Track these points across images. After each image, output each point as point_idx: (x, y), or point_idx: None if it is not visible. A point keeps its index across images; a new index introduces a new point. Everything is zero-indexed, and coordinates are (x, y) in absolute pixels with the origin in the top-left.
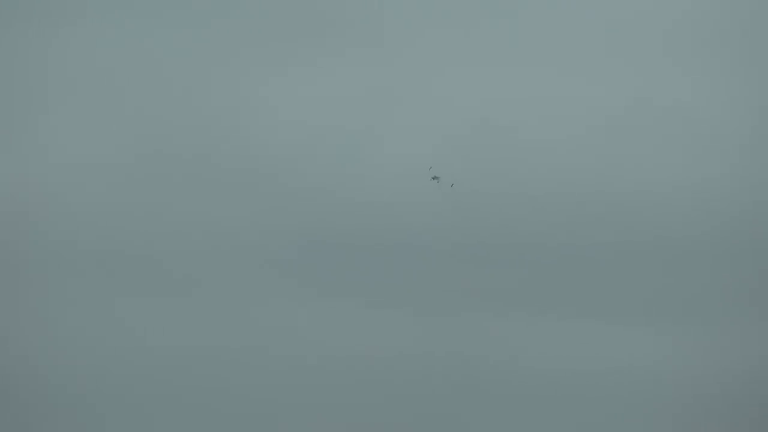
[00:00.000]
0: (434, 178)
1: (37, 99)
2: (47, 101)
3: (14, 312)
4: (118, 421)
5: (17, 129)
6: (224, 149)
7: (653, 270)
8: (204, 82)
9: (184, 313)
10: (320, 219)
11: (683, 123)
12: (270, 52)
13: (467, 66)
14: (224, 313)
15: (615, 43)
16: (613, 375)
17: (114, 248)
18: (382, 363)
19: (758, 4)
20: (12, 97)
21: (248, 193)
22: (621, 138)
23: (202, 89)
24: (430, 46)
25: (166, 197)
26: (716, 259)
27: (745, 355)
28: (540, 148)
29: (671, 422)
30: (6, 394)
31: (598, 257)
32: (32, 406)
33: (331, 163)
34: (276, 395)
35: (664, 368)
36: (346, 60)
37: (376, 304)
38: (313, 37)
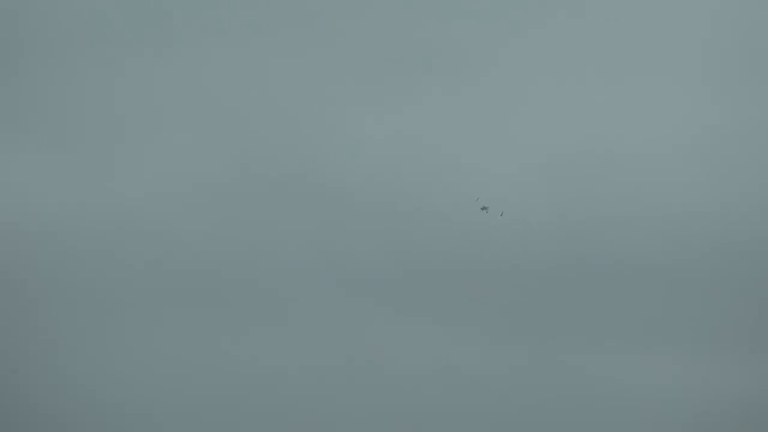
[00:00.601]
0: (483, 208)
1: (140, 123)
2: (150, 124)
3: (114, 335)
4: None
5: (116, 152)
6: (321, 173)
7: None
8: (304, 106)
9: (281, 334)
10: (416, 243)
11: None
12: (367, 79)
13: (564, 89)
14: (321, 334)
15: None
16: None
17: (211, 267)
18: (497, 393)
19: None
20: (113, 119)
21: (345, 216)
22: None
23: (302, 113)
24: (523, 70)
25: (265, 217)
26: None
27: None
28: (640, 170)
29: None
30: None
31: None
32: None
33: (427, 187)
34: (374, 415)
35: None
36: (444, 87)
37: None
38: (413, 65)
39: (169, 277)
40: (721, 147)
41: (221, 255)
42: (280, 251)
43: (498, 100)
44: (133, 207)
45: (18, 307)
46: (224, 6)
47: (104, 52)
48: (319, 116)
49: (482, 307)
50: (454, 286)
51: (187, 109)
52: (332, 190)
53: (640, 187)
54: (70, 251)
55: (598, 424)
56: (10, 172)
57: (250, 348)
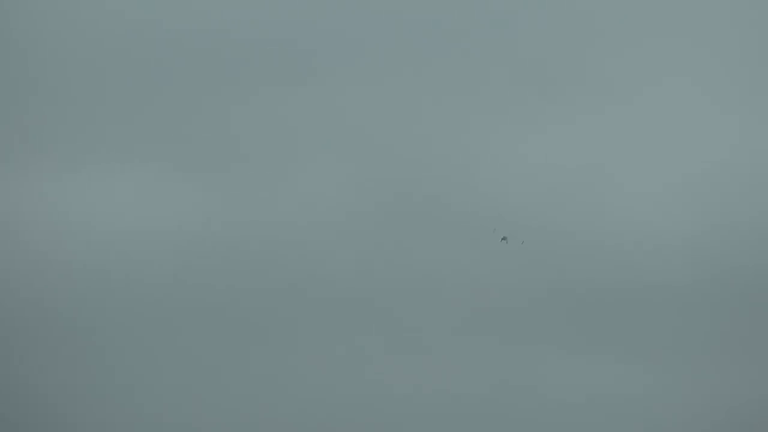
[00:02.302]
0: (503, 239)
1: (283, 154)
2: (291, 155)
3: (254, 361)
4: None
5: (262, 178)
6: (456, 197)
7: None
8: (434, 131)
9: (418, 363)
10: (551, 264)
11: None
12: (499, 101)
13: (699, 111)
14: (460, 364)
15: None
16: None
17: (354, 296)
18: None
19: None
20: (257, 150)
21: (475, 240)
22: None
23: (433, 138)
24: (659, 92)
25: (399, 245)
26: None
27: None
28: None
29: None
30: None
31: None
32: None
33: (561, 208)
34: None
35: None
36: (574, 108)
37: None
38: (540, 85)
39: (308, 305)
40: None
41: (361, 284)
42: (418, 278)
43: (641, 121)
44: (276, 233)
45: (143, 328)
46: (369, 36)
47: (252, 80)
48: (464, 143)
49: (626, 332)
50: (596, 311)
51: (333, 137)
52: (466, 216)
53: None
54: (207, 276)
55: None
56: (159, 196)
57: (391, 376)
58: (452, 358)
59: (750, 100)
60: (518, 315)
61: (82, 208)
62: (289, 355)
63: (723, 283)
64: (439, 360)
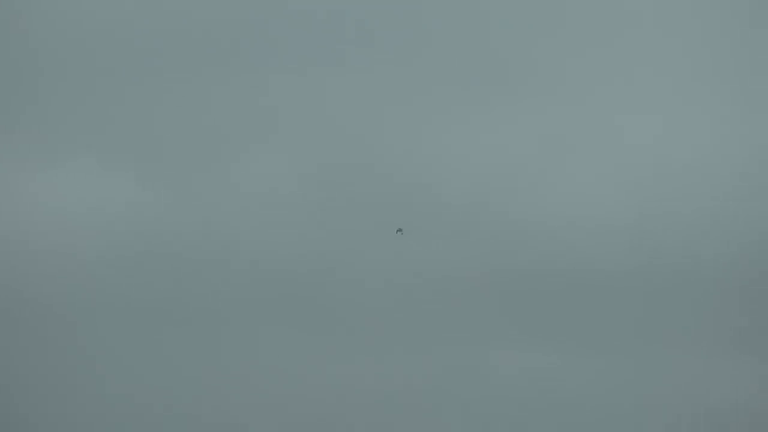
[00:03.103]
0: (398, 231)
1: (218, 145)
2: (228, 147)
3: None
4: None
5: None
6: (407, 190)
7: None
8: (390, 127)
9: (364, 357)
10: (498, 252)
11: None
12: (451, 99)
13: (639, 112)
14: (409, 355)
15: None
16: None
17: (296, 290)
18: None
19: None
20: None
21: (426, 230)
22: None
23: (387, 134)
24: (605, 93)
25: (345, 236)
26: None
27: None
28: (717, 193)
29: None
30: None
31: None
32: None
33: (509, 200)
34: None
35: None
36: (524, 107)
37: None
38: (492, 84)
39: (250, 298)
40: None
41: (303, 277)
42: (363, 268)
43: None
44: (219, 224)
45: (139, 318)
46: (330, 28)
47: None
48: (409, 140)
49: (569, 319)
50: (538, 298)
51: (277, 126)
52: (425, 208)
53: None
54: (142, 270)
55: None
56: (105, 193)
57: (341, 368)
58: (400, 349)
59: (681, 92)
60: (464, 304)
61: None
62: (220, 352)
63: (659, 269)
64: (387, 352)
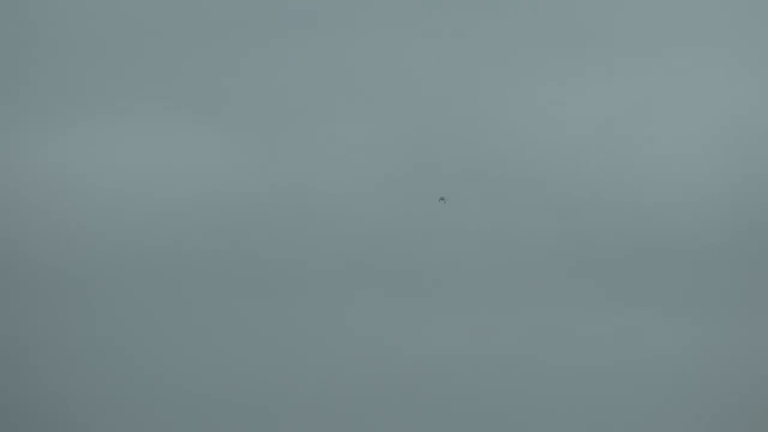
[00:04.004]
0: (441, 199)
1: (319, 109)
2: (308, 107)
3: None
4: None
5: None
6: (475, 151)
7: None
8: (477, 90)
9: (443, 324)
10: (582, 219)
11: None
12: (540, 61)
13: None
14: (490, 323)
15: None
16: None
17: (375, 255)
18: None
19: None
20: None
21: (500, 194)
22: None
23: (474, 97)
24: (684, 45)
25: (421, 202)
26: None
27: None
28: None
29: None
30: None
31: None
32: None
33: (590, 162)
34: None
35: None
36: (595, 59)
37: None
38: (559, 36)
39: (327, 263)
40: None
41: (383, 242)
42: (439, 234)
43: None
44: (296, 185)
45: (197, 291)
46: None
47: (270, 25)
48: (481, 96)
49: (667, 287)
50: (630, 265)
51: (348, 90)
52: (494, 170)
53: None
54: (220, 228)
55: None
56: (192, 154)
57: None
58: (482, 316)
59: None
60: (550, 271)
61: (92, 154)
62: (305, 312)
63: (746, 234)
64: (467, 318)
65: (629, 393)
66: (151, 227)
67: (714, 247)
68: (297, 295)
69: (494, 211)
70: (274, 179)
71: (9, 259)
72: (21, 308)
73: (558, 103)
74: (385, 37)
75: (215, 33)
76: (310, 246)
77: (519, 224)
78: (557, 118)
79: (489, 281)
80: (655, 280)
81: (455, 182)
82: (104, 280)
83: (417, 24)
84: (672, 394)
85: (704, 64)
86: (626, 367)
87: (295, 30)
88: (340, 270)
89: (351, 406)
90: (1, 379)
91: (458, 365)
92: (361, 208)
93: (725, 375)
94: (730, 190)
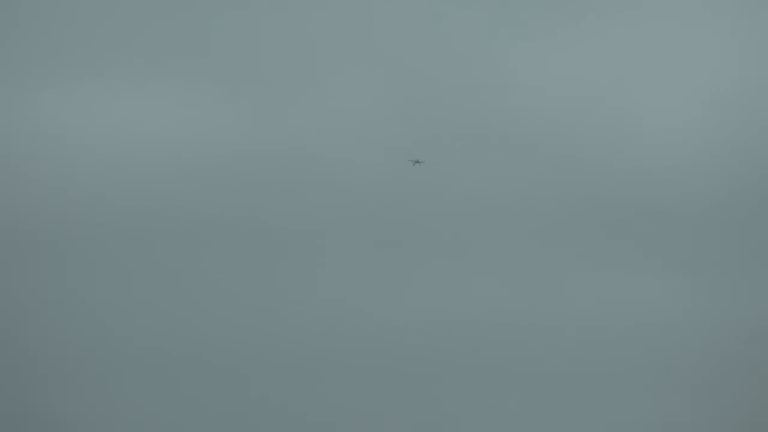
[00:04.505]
0: (416, 162)
1: (308, 67)
2: (316, 69)
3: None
4: None
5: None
6: (481, 113)
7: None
8: (483, 51)
9: (451, 279)
10: (586, 181)
11: None
12: (538, 28)
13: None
14: (497, 279)
15: None
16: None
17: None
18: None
19: None
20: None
21: (518, 161)
22: None
23: (481, 59)
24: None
25: (428, 162)
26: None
27: None
28: None
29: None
30: None
31: None
32: None
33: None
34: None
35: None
36: (596, 24)
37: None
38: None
39: (336, 220)
40: None
41: (388, 198)
42: (452, 197)
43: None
44: (301, 144)
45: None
46: None
47: None
48: (487, 59)
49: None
50: (632, 224)
51: (358, 51)
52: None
53: None
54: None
55: None
56: (189, 111)
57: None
58: (488, 273)
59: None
60: (555, 229)
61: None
62: (319, 269)
63: (750, 193)
64: (475, 272)
65: (631, 354)
66: (138, 189)
67: (710, 209)
68: (280, 257)
69: (493, 177)
70: (266, 142)
71: None
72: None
73: (555, 71)
74: (383, 3)
75: None
76: (301, 210)
77: (517, 189)
78: (555, 85)
79: (485, 245)
80: (653, 243)
81: (453, 144)
82: (87, 241)
83: None
84: (671, 352)
85: (698, 29)
86: (627, 328)
87: None
88: (326, 233)
89: (327, 367)
90: None
91: (443, 328)
92: (356, 170)
93: (721, 332)
94: (724, 154)
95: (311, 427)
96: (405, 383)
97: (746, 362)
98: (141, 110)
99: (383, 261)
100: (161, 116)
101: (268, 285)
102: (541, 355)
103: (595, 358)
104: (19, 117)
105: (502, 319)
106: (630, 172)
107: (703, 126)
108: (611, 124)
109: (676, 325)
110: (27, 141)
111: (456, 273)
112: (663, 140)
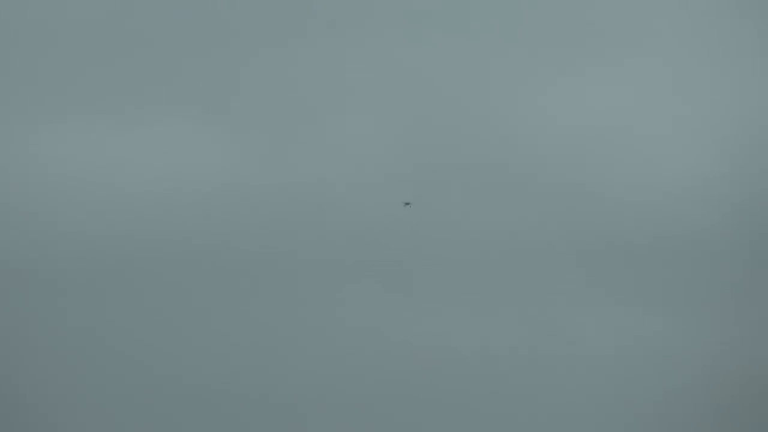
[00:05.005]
0: (406, 204)
1: (325, 106)
2: (315, 108)
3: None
4: None
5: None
6: (476, 149)
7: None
8: (482, 90)
9: (437, 318)
10: (571, 215)
11: None
12: (539, 61)
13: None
14: (480, 318)
15: None
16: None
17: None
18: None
19: None
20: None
21: (497, 191)
22: None
23: (481, 94)
24: (668, 42)
25: (446, 204)
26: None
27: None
28: None
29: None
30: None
31: None
32: None
33: (580, 159)
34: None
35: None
36: (588, 59)
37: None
38: (553, 37)
39: (327, 261)
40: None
41: (384, 238)
42: (436, 229)
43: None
44: (311, 189)
45: (217, 283)
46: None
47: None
48: (501, 102)
49: (646, 281)
50: (615, 261)
51: (358, 90)
52: (495, 167)
53: None
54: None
55: None
56: (197, 150)
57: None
58: (473, 311)
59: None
60: (538, 266)
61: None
62: (306, 305)
63: (741, 229)
64: (460, 312)
65: (620, 384)
66: (154, 225)
67: (704, 243)
68: (294, 289)
69: (489, 209)
70: (274, 177)
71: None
72: (12, 306)
73: (555, 102)
74: (386, 39)
75: (223, 34)
76: (309, 241)
77: (513, 221)
78: (553, 117)
79: (481, 276)
80: (644, 275)
81: (452, 180)
82: (106, 276)
83: (418, 25)
84: (662, 385)
85: (699, 61)
86: (616, 360)
87: (302, 31)
88: (339, 264)
89: (345, 397)
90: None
91: (450, 358)
92: (360, 204)
93: (714, 367)
94: (722, 188)
95: None
96: (416, 422)
97: (747, 401)
98: (144, 148)
99: (391, 302)
100: (164, 155)
101: (269, 325)
102: (547, 391)
103: (606, 392)
104: (37, 160)
105: (490, 347)
106: (646, 211)
107: (714, 171)
108: (623, 168)
109: (678, 360)
110: (30, 179)
111: (454, 303)
112: (677, 183)
